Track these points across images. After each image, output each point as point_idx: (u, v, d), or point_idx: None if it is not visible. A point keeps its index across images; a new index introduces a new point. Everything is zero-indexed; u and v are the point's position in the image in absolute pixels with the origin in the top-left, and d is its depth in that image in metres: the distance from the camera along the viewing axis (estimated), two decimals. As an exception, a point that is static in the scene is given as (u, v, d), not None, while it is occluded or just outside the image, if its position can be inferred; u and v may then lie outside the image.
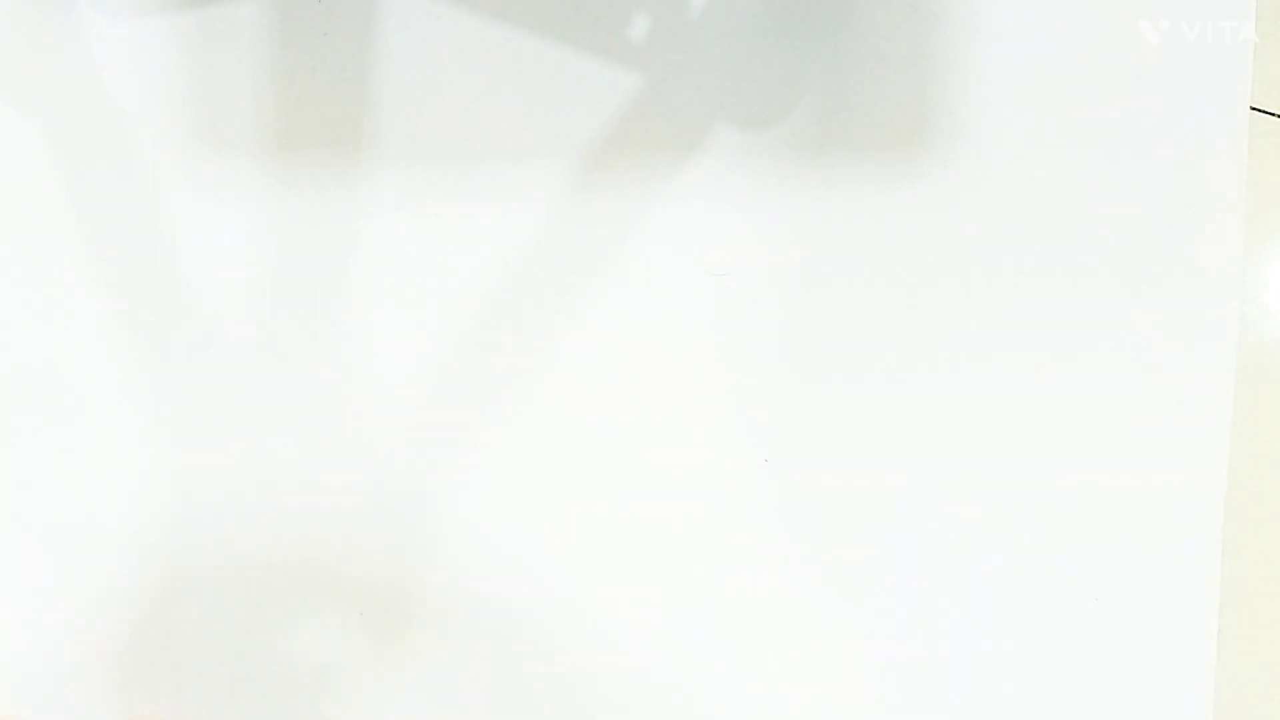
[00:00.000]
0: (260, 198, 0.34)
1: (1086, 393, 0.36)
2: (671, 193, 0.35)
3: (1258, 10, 0.36)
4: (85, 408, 0.34)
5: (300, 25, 0.34)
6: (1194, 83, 0.36)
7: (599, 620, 0.34)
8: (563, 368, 0.34)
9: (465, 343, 0.34)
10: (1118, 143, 0.36)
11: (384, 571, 0.35)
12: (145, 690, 0.34)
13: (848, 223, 0.36)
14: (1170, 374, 0.36)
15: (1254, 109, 0.36)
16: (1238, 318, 0.36)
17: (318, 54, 0.34)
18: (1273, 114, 0.36)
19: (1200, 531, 0.36)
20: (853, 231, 0.36)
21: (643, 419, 0.34)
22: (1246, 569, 0.36)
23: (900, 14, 0.36)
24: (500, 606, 0.34)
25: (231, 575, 0.34)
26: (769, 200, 0.35)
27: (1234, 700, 0.36)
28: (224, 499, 0.34)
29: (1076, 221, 0.36)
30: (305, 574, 0.34)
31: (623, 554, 0.34)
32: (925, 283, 0.36)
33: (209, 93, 0.34)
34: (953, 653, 0.36)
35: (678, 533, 0.34)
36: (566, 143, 0.35)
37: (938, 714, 0.36)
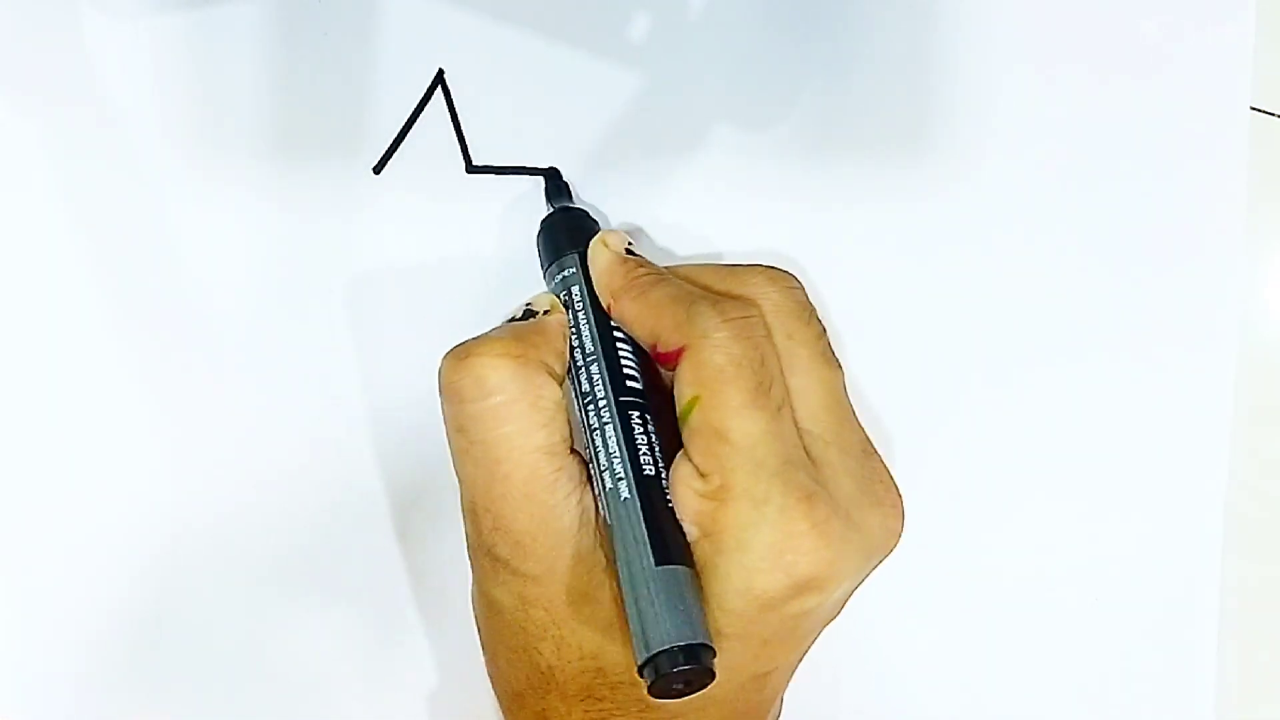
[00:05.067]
0: (260, 198, 0.34)
1: (1085, 392, 0.36)
2: (671, 193, 0.35)
3: (1258, 10, 0.36)
4: (84, 407, 0.34)
5: (300, 25, 0.34)
6: (1194, 83, 0.36)
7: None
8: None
9: (465, 343, 0.34)
10: (1117, 143, 0.36)
11: (384, 571, 0.35)
12: (144, 690, 0.34)
13: (848, 222, 0.36)
14: (1170, 374, 0.36)
15: (1254, 109, 0.36)
16: (1238, 318, 0.36)
17: (318, 54, 0.34)
18: (1273, 114, 0.36)
19: (1200, 531, 0.36)
20: (853, 231, 0.36)
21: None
22: (1246, 569, 0.36)
23: (900, 14, 0.36)
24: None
25: (231, 575, 0.34)
26: (769, 200, 0.35)
27: (1234, 700, 0.36)
28: (223, 499, 0.34)
29: (1076, 221, 0.36)
30: (304, 574, 0.34)
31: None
32: (924, 282, 0.36)
33: (209, 93, 0.34)
34: (949, 652, 0.36)
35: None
36: (566, 142, 0.35)
37: (935, 713, 0.36)
